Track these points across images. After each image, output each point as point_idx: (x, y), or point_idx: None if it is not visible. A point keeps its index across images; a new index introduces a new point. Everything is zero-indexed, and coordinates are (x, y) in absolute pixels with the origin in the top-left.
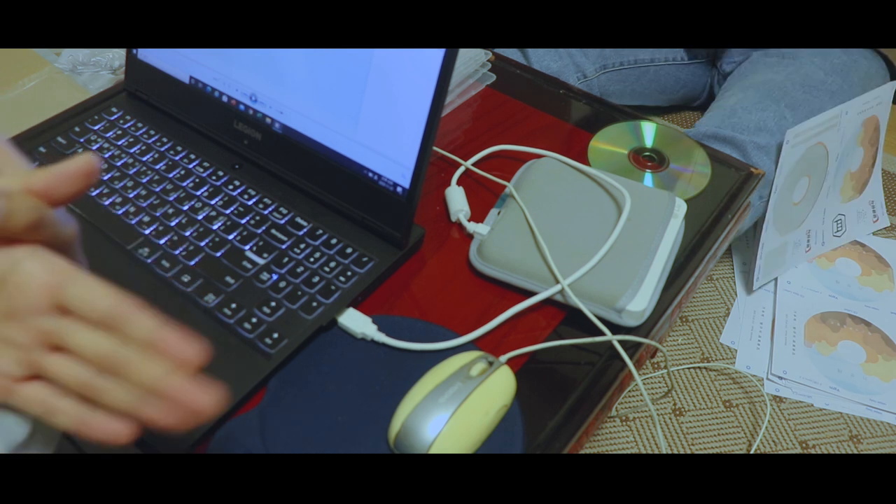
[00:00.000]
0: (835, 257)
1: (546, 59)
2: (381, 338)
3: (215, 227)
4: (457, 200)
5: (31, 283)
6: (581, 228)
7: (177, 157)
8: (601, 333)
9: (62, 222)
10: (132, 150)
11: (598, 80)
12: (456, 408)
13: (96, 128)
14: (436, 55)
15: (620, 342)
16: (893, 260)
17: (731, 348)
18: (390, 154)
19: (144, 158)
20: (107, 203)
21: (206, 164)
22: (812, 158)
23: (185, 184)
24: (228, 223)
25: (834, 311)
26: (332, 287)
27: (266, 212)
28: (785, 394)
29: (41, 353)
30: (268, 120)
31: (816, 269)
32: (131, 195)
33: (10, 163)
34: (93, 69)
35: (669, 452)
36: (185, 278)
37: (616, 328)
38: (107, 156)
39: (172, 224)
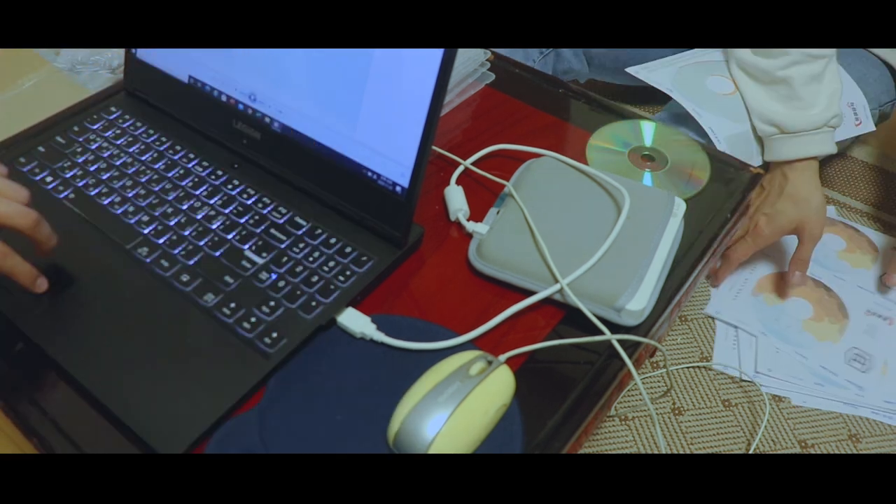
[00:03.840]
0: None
1: None
2: (381, 337)
3: (214, 226)
4: (456, 200)
5: None
6: (580, 228)
7: (176, 157)
8: (600, 333)
9: None
10: (131, 150)
11: (595, 50)
12: (455, 407)
13: (95, 127)
14: (435, 55)
15: (619, 341)
16: (883, 250)
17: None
18: (389, 153)
19: (143, 158)
20: (105, 202)
21: (205, 163)
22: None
23: (184, 183)
24: (227, 222)
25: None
26: (332, 286)
27: (265, 211)
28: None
29: None
30: (267, 119)
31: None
32: (130, 194)
33: None
34: (92, 68)
35: (668, 452)
36: (184, 278)
37: (615, 327)
38: (106, 155)
39: (171, 223)
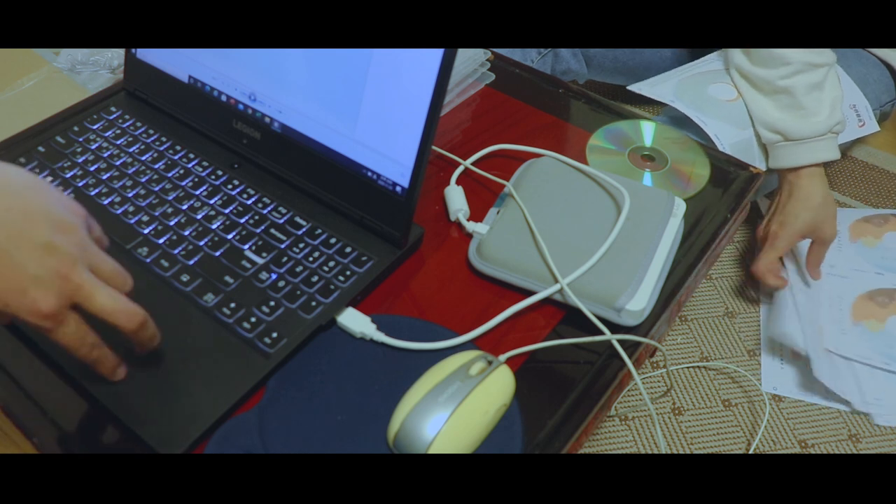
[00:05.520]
0: (882, 234)
1: None
2: (381, 337)
3: (214, 226)
4: (456, 200)
5: None
6: (580, 228)
7: (176, 157)
8: (600, 333)
9: None
10: (131, 150)
11: (593, 51)
12: (455, 407)
13: (95, 127)
14: (435, 55)
15: (619, 341)
16: None
17: (730, 348)
18: (389, 153)
19: (143, 157)
20: (105, 202)
21: (205, 163)
22: (690, 82)
23: (184, 183)
24: (227, 222)
25: (883, 289)
26: (332, 286)
27: (265, 211)
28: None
29: None
30: (267, 119)
31: (862, 248)
32: (130, 194)
33: None
34: (91, 68)
35: (668, 452)
36: (185, 278)
37: (615, 327)
38: (105, 155)
39: (171, 223)
